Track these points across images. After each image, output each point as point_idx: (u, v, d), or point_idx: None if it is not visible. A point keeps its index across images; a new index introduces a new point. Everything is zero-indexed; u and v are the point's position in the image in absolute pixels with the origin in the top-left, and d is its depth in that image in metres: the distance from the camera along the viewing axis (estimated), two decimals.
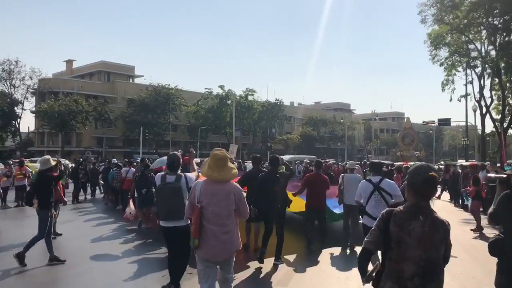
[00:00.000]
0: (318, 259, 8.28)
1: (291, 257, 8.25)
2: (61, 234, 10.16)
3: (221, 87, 62.76)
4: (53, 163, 7.89)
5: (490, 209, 4.41)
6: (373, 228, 2.94)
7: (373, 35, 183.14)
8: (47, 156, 8.14)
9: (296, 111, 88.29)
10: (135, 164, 16.11)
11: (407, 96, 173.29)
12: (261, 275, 7.09)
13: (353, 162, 10.96)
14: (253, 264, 7.60)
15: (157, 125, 59.30)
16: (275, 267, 7.42)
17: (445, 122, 42.85)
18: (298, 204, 9.41)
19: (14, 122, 59.56)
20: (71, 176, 17.95)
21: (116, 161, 20.50)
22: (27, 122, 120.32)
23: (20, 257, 7.28)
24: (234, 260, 4.48)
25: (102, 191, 19.22)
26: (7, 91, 54.75)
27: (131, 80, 71.43)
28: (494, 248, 4.11)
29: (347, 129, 75.31)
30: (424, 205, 2.84)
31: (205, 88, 64.61)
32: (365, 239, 2.95)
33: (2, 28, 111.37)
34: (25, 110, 57.73)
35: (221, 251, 4.17)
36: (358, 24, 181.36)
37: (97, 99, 58.35)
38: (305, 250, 8.91)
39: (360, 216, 7.42)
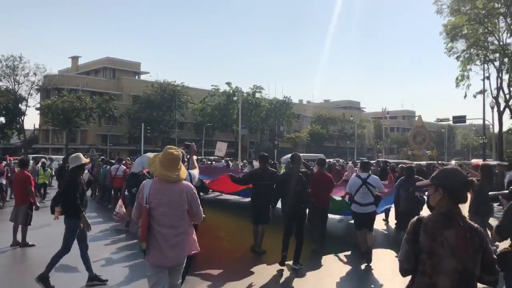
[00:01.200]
0: (324, 264, 7.82)
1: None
2: (33, 245, 8.55)
3: (228, 84, 61.63)
4: (85, 160, 6.59)
5: (498, 222, 4.19)
6: (402, 244, 2.74)
7: (383, 33, 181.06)
8: (78, 153, 6.76)
9: (305, 109, 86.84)
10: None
11: (419, 95, 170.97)
12: (268, 281, 6.67)
13: (352, 166, 11.13)
14: (258, 269, 7.20)
15: (163, 123, 58.15)
16: (280, 272, 7.05)
17: (459, 119, 40.92)
18: None
19: (19, 119, 59.01)
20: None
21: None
22: (33, 119, 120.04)
23: (44, 279, 5.93)
24: (184, 265, 4.23)
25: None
26: (11, 87, 54.07)
27: (137, 77, 70.46)
28: (503, 261, 3.79)
29: (356, 128, 73.80)
30: (458, 211, 2.64)
31: (212, 85, 63.57)
32: (398, 258, 2.76)
33: (8, 25, 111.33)
34: (29, 107, 57.08)
35: (172, 255, 3.93)
36: (368, 22, 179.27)
37: (102, 96, 57.41)
38: (309, 253, 8.28)
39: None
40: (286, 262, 7.24)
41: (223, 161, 22.19)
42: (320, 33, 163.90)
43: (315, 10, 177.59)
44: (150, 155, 15.47)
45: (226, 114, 60.06)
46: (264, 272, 7.07)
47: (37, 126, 62.66)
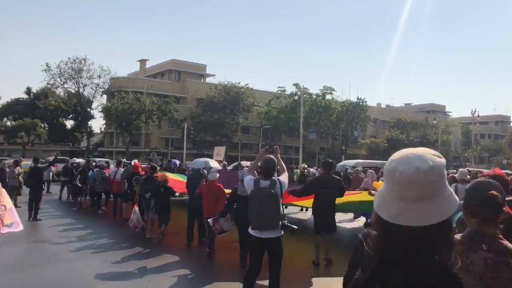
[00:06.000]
0: None
1: None
2: None
3: (296, 85, 57.30)
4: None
5: None
6: None
7: (471, 32, 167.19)
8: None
9: (383, 113, 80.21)
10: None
11: None
12: None
13: (464, 171, 9.77)
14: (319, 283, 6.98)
15: (225, 126, 55.15)
16: None
17: None
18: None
19: (87, 122, 59.28)
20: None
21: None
22: (101, 122, 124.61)
23: None
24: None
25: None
26: (76, 90, 54.02)
27: (202, 80, 68.54)
28: None
29: (441, 133, 66.16)
30: (488, 231, 2.27)
31: (278, 87, 59.76)
32: None
33: (82, 32, 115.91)
34: (93, 109, 56.98)
35: None
36: (453, 21, 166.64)
37: (165, 99, 55.80)
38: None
39: None
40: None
41: (221, 165, 18.76)
42: (401, 35, 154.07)
43: (393, 11, 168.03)
44: (202, 159, 13.71)
45: (292, 117, 55.69)
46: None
47: (103, 129, 62.70)
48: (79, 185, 15.29)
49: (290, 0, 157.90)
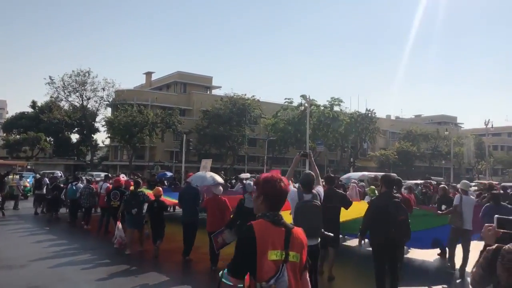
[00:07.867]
0: None
1: None
2: None
3: (303, 96, 56.12)
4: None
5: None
6: (476, 268, 2.57)
7: (483, 42, 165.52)
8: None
9: (392, 124, 78.78)
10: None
11: None
12: None
13: (467, 182, 9.84)
14: None
15: (231, 138, 53.99)
16: None
17: None
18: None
19: (92, 135, 58.47)
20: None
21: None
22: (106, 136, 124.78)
23: None
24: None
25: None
26: (80, 103, 53.20)
27: (208, 92, 67.67)
28: None
29: (453, 145, 64.40)
30: None
31: (285, 99, 58.70)
32: (470, 282, 2.62)
33: (89, 46, 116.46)
34: (96, 122, 56.09)
35: None
36: (465, 32, 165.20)
37: (169, 111, 54.87)
38: None
39: None
40: None
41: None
42: (411, 45, 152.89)
43: (401, 22, 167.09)
44: (204, 173, 12.44)
45: (300, 129, 54.52)
46: None
47: (106, 143, 61.97)
48: (63, 198, 14.50)
49: (297, 11, 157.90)
